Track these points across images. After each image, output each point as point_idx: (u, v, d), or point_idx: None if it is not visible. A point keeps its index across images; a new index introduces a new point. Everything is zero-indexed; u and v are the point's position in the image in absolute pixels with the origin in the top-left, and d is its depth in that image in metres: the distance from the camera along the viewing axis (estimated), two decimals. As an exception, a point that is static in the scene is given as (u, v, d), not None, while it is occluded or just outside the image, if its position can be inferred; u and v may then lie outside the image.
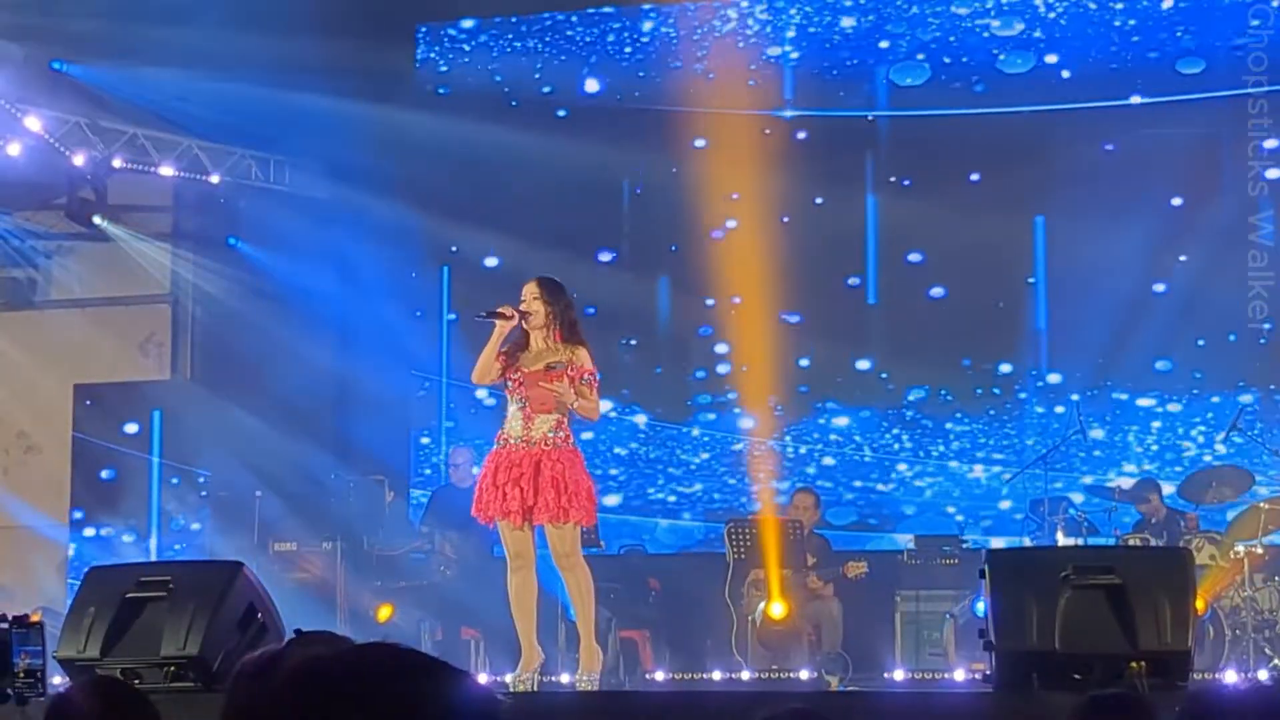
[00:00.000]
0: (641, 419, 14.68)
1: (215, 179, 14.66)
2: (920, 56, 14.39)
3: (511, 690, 8.52)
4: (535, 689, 8.83)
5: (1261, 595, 11.60)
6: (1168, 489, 12.68)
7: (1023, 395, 14.08)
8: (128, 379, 15.15)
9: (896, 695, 9.69)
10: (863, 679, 11.25)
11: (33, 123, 13.74)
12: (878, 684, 11.09)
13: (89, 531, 14.90)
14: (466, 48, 15.32)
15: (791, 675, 11.04)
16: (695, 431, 14.59)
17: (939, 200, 13.87)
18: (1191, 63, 13.83)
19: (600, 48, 15.01)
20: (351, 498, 13.92)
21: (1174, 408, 13.76)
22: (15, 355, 15.11)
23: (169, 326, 15.27)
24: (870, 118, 14.54)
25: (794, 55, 14.66)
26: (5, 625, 7.69)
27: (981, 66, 14.24)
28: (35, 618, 7.89)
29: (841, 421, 14.34)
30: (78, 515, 14.96)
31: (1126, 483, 13.08)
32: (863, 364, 14.29)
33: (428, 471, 14.95)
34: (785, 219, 14.16)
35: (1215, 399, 13.63)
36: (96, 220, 14.61)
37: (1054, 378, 13.90)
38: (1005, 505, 13.69)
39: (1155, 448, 13.74)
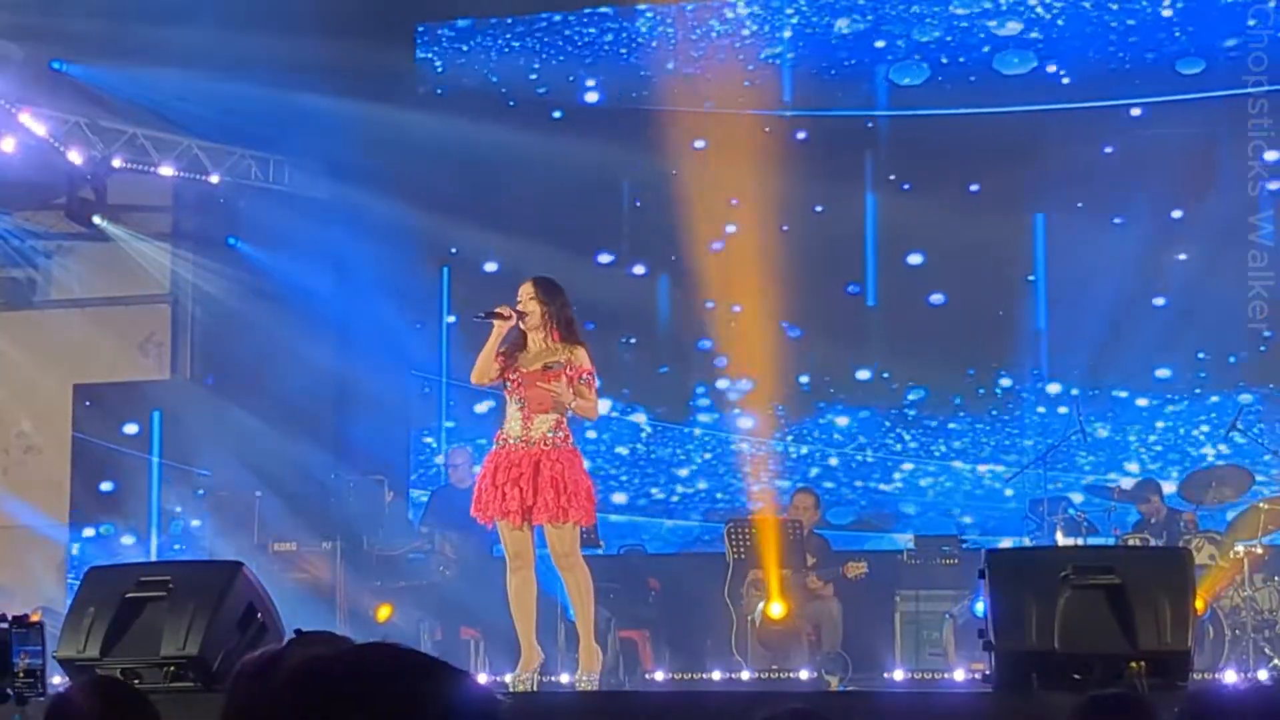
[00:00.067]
0: (641, 418, 14.68)
1: (215, 179, 14.66)
2: (918, 56, 14.41)
3: (511, 690, 8.52)
4: (535, 689, 8.84)
5: (1261, 595, 11.60)
6: (1168, 488, 12.68)
7: (1023, 395, 14.08)
8: (128, 379, 15.15)
9: (896, 695, 9.69)
10: (862, 679, 11.25)
11: (32, 122, 13.73)
12: (877, 684, 11.09)
13: (89, 531, 14.90)
14: (464, 48, 15.31)
15: (791, 675, 11.04)
16: (696, 431, 14.59)
17: (939, 200, 13.86)
18: (1191, 63, 13.83)
19: (597, 48, 15.01)
20: (351, 498, 13.93)
21: (1174, 408, 13.76)
22: (15, 355, 15.11)
23: (169, 326, 15.26)
24: (870, 124, 14.54)
25: (791, 55, 14.66)
26: (5, 625, 7.69)
27: (980, 66, 14.24)
28: (35, 618, 7.89)
29: (842, 421, 14.34)
30: (77, 515, 14.95)
31: (1128, 483, 13.08)
32: (863, 374, 14.29)
33: (434, 467, 14.93)
34: (785, 228, 14.13)
35: (1215, 399, 13.63)
36: (96, 220, 14.61)
37: (1054, 388, 13.89)
38: (1006, 505, 13.68)
39: (1159, 448, 13.74)
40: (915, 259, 14.26)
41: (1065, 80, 14.05)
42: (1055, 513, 12.24)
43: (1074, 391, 13.58)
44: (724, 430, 14.55)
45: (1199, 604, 9.27)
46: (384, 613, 12.78)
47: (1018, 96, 14.07)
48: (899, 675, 11.29)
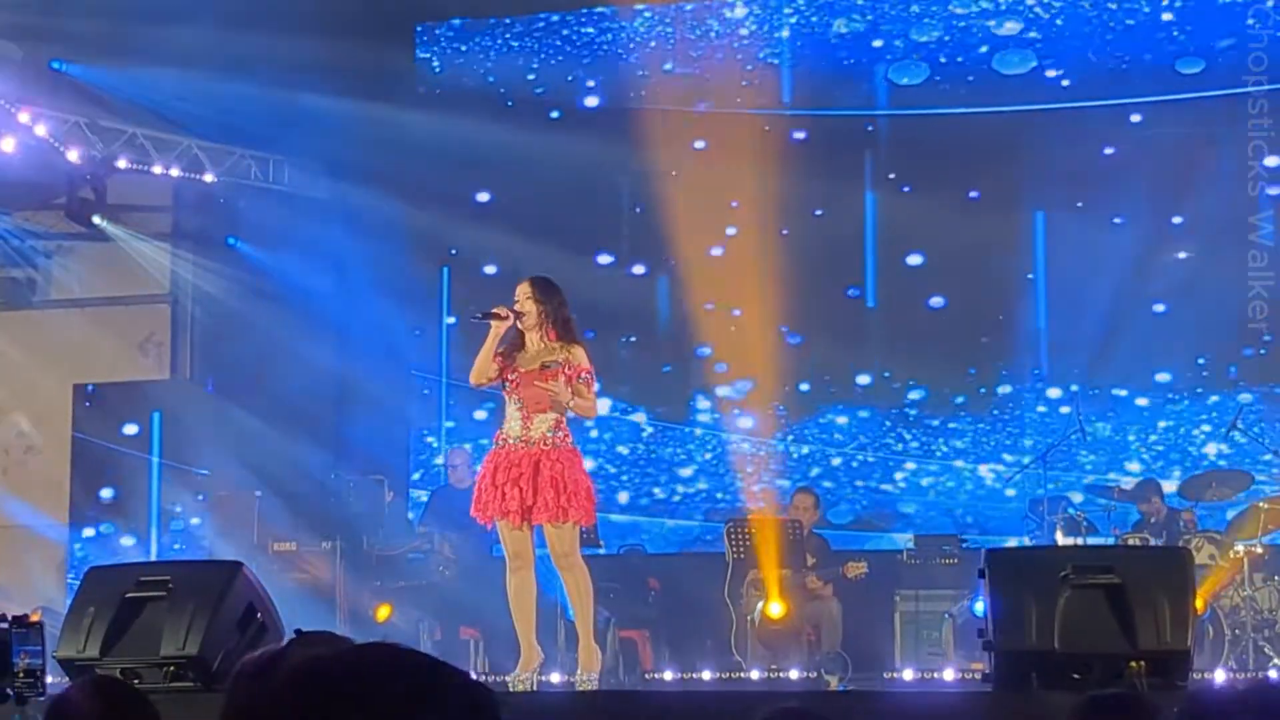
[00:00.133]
0: (642, 418, 14.67)
1: (214, 178, 14.66)
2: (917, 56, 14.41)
3: (511, 690, 8.52)
4: (535, 689, 8.83)
5: (1261, 595, 11.60)
6: (1168, 488, 12.68)
7: (1024, 395, 14.08)
8: (127, 379, 15.15)
9: (896, 695, 9.68)
10: (862, 679, 11.25)
11: (32, 122, 13.73)
12: (877, 684, 11.09)
13: (89, 531, 14.90)
14: (463, 48, 15.31)
15: (791, 675, 11.04)
16: (697, 431, 14.59)
17: (938, 200, 13.86)
18: (1190, 63, 13.83)
19: (596, 48, 15.00)
20: (351, 498, 13.93)
21: (1174, 408, 13.76)
22: (15, 355, 15.11)
23: (169, 326, 15.27)
24: (869, 124, 14.54)
25: (790, 55, 14.66)
26: (5, 625, 7.68)
27: (979, 66, 14.24)
28: (35, 618, 7.88)
29: (842, 421, 14.34)
30: (77, 515, 14.95)
31: (1128, 483, 13.08)
32: (864, 378, 14.29)
33: (435, 468, 14.92)
34: (785, 232, 14.12)
35: (1214, 398, 13.64)
36: (96, 220, 14.61)
37: (1054, 392, 13.88)
38: (1006, 505, 13.68)
39: (1160, 447, 13.73)
40: (915, 259, 14.26)
41: (1065, 81, 14.04)
42: (1055, 512, 12.24)
43: (1074, 388, 13.58)
44: (724, 430, 14.55)
45: (1199, 604, 9.27)
46: (384, 613, 12.78)
47: (1017, 96, 14.07)
48: (899, 675, 11.28)
